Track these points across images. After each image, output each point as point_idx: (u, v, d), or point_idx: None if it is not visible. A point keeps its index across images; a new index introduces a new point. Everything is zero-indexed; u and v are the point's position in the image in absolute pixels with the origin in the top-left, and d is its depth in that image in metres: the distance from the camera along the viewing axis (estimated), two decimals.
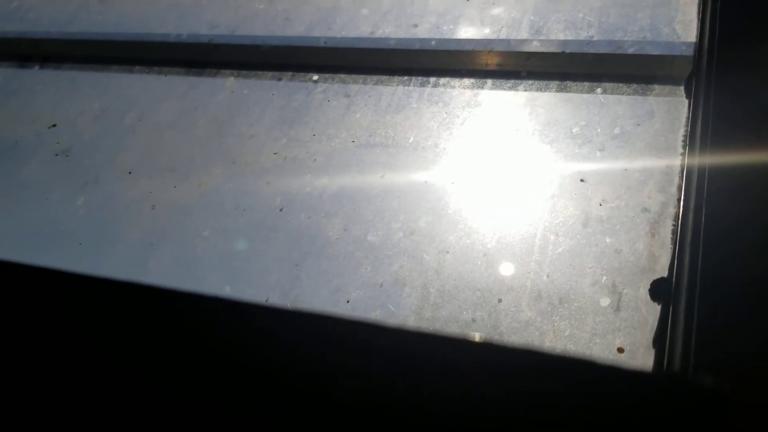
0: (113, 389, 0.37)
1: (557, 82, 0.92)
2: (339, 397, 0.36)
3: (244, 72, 1.11)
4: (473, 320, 0.73)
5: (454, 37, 1.01)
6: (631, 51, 0.89)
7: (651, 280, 0.69)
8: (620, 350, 0.65)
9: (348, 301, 0.77)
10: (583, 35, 0.95)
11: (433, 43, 1.00)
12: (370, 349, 0.38)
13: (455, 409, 0.35)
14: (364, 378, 0.36)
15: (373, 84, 1.01)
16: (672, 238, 0.72)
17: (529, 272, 0.74)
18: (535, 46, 0.94)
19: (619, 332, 0.67)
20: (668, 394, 0.30)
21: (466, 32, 1.02)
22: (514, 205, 0.81)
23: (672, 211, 0.74)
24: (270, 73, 1.09)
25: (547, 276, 0.74)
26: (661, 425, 0.30)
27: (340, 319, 0.39)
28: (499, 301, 0.73)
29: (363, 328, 0.39)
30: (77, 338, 0.40)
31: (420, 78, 0.99)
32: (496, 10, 1.04)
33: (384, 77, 1.01)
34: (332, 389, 0.36)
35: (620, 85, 0.89)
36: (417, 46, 1.00)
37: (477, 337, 0.67)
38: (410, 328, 0.38)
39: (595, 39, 0.93)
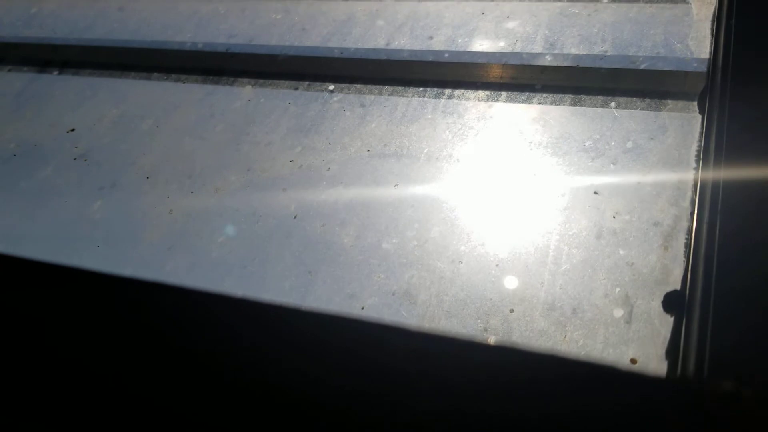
0: (87, 382, 0.38)
1: (571, 96, 0.93)
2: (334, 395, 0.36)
3: (261, 81, 1.12)
4: (485, 329, 0.74)
5: (469, 49, 1.03)
6: (644, 66, 0.90)
7: (664, 292, 0.70)
8: (633, 361, 0.66)
9: (363, 308, 0.78)
10: (596, 50, 0.96)
11: (448, 55, 1.01)
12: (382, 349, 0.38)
13: (469, 413, 0.35)
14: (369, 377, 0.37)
15: (389, 95, 1.02)
16: (685, 251, 0.72)
17: (542, 283, 0.75)
18: (549, 60, 0.95)
19: (631, 343, 0.67)
20: (688, 399, 0.31)
21: (481, 45, 1.03)
22: (528, 217, 0.82)
23: (684, 224, 0.75)
24: (286, 83, 1.10)
25: (560, 287, 0.74)
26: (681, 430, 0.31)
27: (354, 320, 0.40)
28: (511, 311, 0.74)
29: (378, 329, 0.40)
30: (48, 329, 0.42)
31: (435, 89, 1.01)
32: (511, 24, 1.05)
33: (399, 88, 1.03)
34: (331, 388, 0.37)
35: (633, 99, 0.90)
36: (432, 58, 1.02)
37: (492, 340, 0.68)
38: (426, 329, 0.39)
39: (608, 54, 0.94)
